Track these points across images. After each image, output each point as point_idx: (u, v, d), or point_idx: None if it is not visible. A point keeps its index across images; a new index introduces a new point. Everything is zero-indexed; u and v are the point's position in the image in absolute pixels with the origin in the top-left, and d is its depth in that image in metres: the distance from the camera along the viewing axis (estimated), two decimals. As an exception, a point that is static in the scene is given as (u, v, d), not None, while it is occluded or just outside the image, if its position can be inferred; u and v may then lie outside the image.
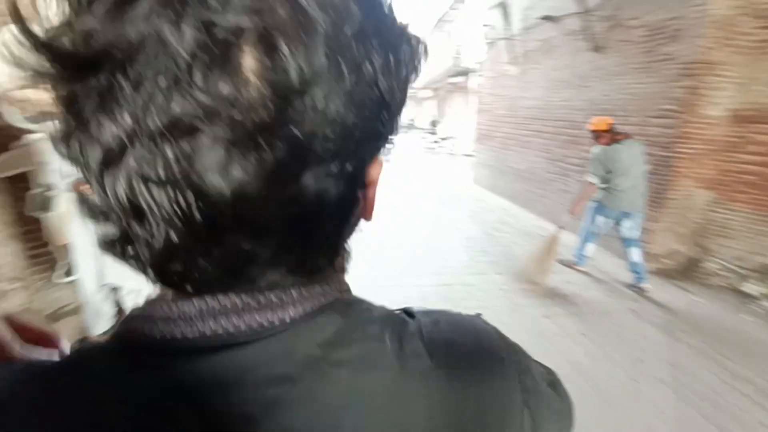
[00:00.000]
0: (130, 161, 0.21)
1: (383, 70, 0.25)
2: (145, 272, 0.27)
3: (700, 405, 2.48)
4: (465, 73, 18.17)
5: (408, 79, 0.29)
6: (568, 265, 4.70)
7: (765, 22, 4.12)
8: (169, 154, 0.21)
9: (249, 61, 0.21)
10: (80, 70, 0.21)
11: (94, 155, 0.22)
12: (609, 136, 3.97)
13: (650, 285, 4.15)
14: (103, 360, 0.28)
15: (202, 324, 0.26)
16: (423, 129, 20.85)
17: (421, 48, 0.29)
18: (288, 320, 0.27)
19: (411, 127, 23.54)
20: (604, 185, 3.98)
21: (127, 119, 0.21)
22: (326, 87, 0.23)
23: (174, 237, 0.23)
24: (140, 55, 0.20)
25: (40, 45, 0.20)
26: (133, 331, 0.28)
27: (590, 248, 4.55)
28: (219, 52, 0.20)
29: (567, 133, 6.31)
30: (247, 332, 0.26)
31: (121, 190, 0.22)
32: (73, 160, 0.24)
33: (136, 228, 0.24)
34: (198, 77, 0.20)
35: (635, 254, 4.10)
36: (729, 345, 3.16)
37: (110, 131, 0.21)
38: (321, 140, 0.24)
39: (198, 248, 0.24)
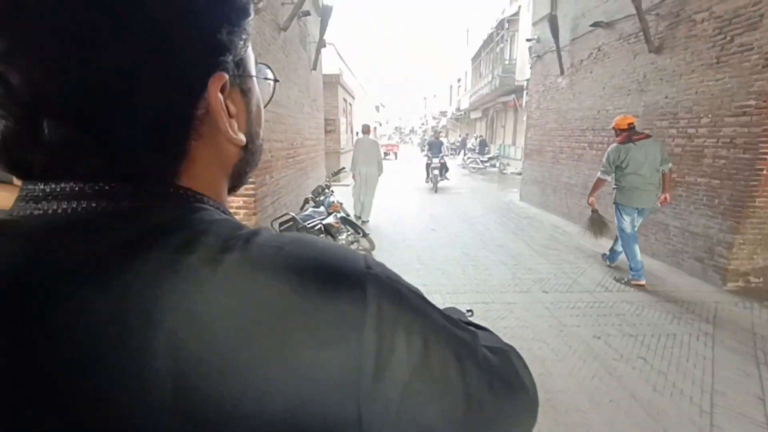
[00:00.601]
0: None
1: None
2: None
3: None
4: (514, 91, 17.79)
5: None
6: (627, 282, 4.17)
7: None
8: None
9: None
10: None
11: None
12: (626, 134, 4.06)
13: (643, 281, 4.12)
14: None
15: (30, 205, 0.29)
16: (473, 149, 20.47)
17: None
18: (109, 210, 0.29)
19: (462, 147, 23.28)
20: (616, 183, 4.24)
21: None
22: None
23: (8, 126, 0.27)
24: None
25: None
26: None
27: (636, 252, 4.19)
28: None
29: (625, 142, 5.76)
30: (71, 215, 0.29)
31: None
32: None
33: None
34: None
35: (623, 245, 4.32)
36: None
37: None
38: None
39: (27, 136, 0.28)
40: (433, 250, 5.42)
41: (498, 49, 20.04)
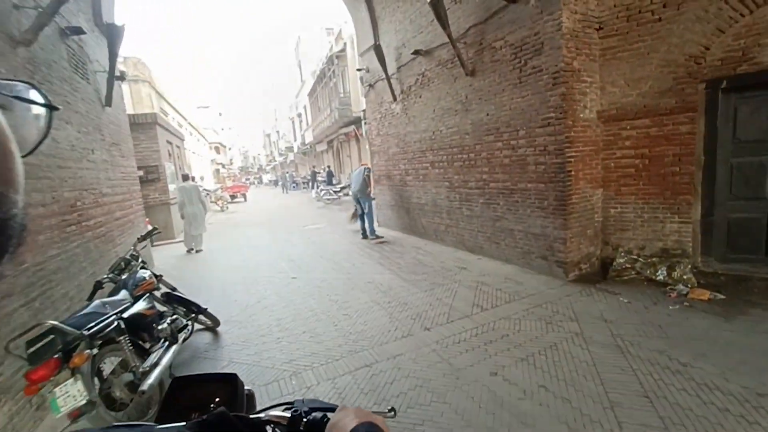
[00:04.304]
0: None
1: None
2: None
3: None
4: (353, 122, 18.50)
5: None
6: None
7: (603, 33, 4.41)
8: None
9: None
10: None
11: None
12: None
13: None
14: None
15: None
16: (323, 181, 20.31)
17: None
18: None
19: (312, 180, 22.90)
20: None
21: None
22: None
23: None
24: None
25: None
26: None
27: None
28: None
29: (461, 159, 6.13)
30: None
31: None
32: None
33: None
34: None
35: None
36: (681, 345, 2.77)
37: None
38: None
39: None
40: (296, 306, 4.56)
41: (332, 84, 20.71)
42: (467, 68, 5.61)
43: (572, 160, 4.40)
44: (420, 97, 7.03)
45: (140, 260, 3.44)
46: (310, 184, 23.37)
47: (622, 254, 4.59)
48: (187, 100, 34.89)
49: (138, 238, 3.65)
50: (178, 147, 14.71)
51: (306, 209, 16.14)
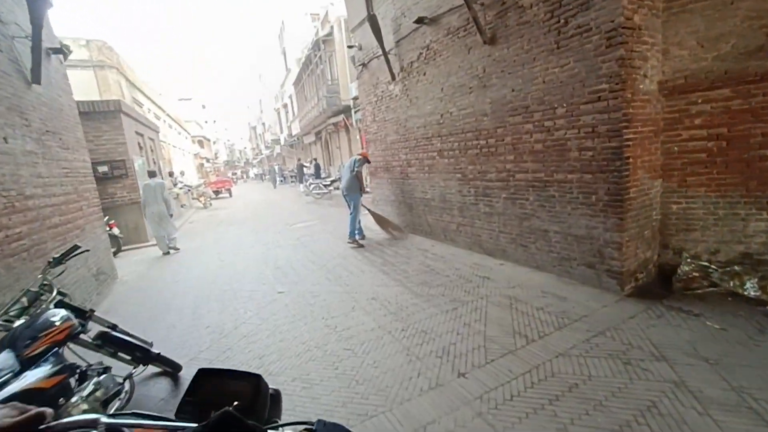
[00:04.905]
0: None
1: None
2: None
3: None
4: (342, 111, 17.35)
5: None
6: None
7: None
8: None
9: None
10: None
11: None
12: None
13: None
14: None
15: None
16: (311, 175, 19.19)
17: None
18: None
19: (299, 173, 21.74)
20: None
21: None
22: None
23: None
24: None
25: None
26: None
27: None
28: None
29: (477, 145, 5.17)
30: None
31: None
32: None
33: None
34: None
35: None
36: None
37: None
38: None
39: None
40: (284, 335, 3.57)
41: (319, 71, 19.44)
42: (485, 35, 4.62)
43: (630, 143, 3.46)
44: (424, 74, 6.01)
45: (55, 293, 2.40)
46: (298, 177, 22.21)
47: (688, 260, 3.71)
48: (168, 92, 33.23)
49: (49, 261, 2.58)
50: (151, 139, 13.41)
51: (294, 205, 15.06)
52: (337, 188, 15.70)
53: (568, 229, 4.06)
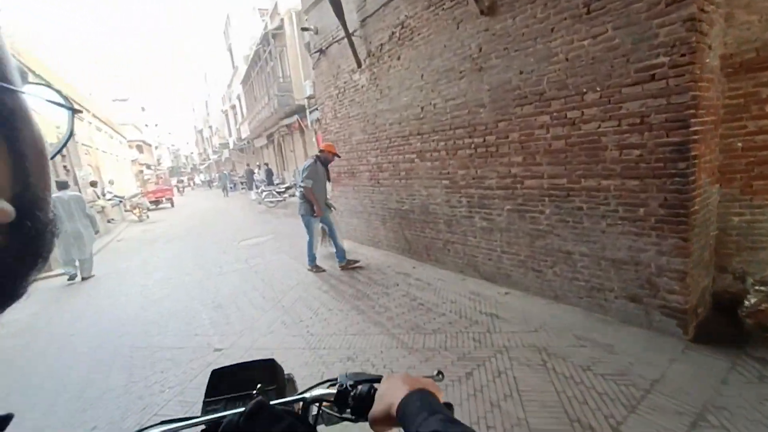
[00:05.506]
0: None
1: None
2: None
3: None
4: (296, 111, 15.88)
5: None
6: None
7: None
8: None
9: None
10: None
11: None
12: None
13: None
14: None
15: None
16: (262, 181, 17.46)
17: None
18: None
19: (249, 179, 19.86)
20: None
21: None
22: None
23: None
24: None
25: None
26: None
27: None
28: None
29: (470, 144, 4.14)
30: None
31: None
32: None
33: None
34: None
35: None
36: None
37: None
38: None
39: None
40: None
41: (269, 68, 17.79)
42: (482, 3, 3.60)
43: (697, 137, 2.57)
44: (398, 58, 4.91)
45: None
46: (247, 184, 20.35)
47: (756, 288, 2.88)
48: (101, 93, 29.75)
49: None
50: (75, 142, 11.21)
51: (244, 215, 13.42)
52: (293, 195, 14.23)
53: (602, 251, 3.11)
